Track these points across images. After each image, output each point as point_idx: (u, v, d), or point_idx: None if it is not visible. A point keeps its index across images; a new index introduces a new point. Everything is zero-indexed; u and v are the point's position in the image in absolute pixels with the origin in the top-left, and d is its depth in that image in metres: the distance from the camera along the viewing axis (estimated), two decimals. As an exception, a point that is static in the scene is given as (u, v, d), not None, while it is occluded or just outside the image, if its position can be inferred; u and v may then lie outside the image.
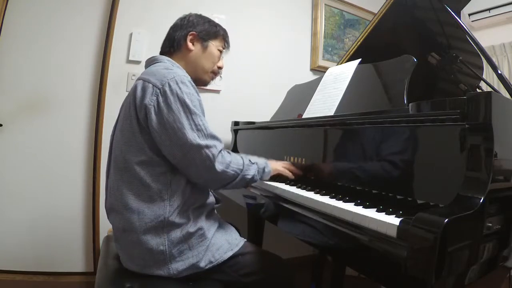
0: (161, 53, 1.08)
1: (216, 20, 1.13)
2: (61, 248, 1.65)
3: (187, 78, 0.91)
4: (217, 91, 2.04)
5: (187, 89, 0.88)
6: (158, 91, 0.86)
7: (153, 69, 0.94)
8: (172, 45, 1.05)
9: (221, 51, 1.11)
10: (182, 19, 1.09)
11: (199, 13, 1.13)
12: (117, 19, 1.73)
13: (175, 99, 0.86)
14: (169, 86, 0.86)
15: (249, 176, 0.98)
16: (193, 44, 1.05)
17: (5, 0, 1.54)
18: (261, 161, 1.06)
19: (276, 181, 1.18)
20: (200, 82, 1.10)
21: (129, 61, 1.78)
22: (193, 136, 0.85)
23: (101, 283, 0.90)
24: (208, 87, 1.95)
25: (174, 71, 0.91)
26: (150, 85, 0.87)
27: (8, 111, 1.58)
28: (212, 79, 1.14)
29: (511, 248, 0.69)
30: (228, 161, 0.92)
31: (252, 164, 1.00)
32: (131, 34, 1.79)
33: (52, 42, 1.65)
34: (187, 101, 0.86)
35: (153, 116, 0.85)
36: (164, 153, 0.88)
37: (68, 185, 1.67)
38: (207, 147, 0.87)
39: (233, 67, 2.06)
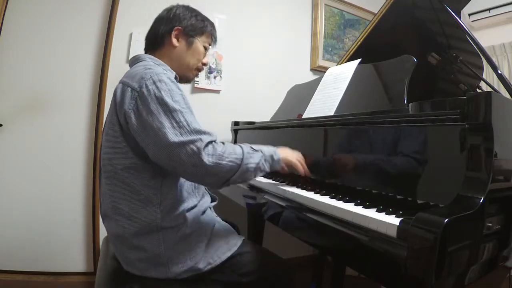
0: (145, 48, 1.04)
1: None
2: (61, 248, 1.65)
3: (165, 75, 0.87)
4: (217, 91, 2.03)
5: (166, 86, 0.84)
6: (136, 94, 0.83)
7: (133, 71, 0.90)
8: (156, 40, 1.01)
9: (206, 48, 1.06)
10: (168, 10, 1.03)
11: (187, 4, 1.07)
12: (117, 19, 1.73)
13: (152, 100, 0.82)
14: (146, 87, 0.83)
15: (253, 165, 0.87)
16: (177, 40, 1.00)
17: (5, 0, 1.54)
18: (267, 148, 0.95)
19: (281, 180, 1.18)
20: (183, 79, 1.06)
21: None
22: (174, 135, 0.79)
23: (101, 283, 0.90)
24: (208, 87, 1.98)
25: (152, 70, 0.86)
26: (129, 88, 0.84)
27: (8, 111, 1.58)
28: (196, 75, 1.10)
29: (511, 248, 0.69)
30: (221, 152, 0.82)
31: (255, 151, 0.90)
32: (131, 34, 1.79)
33: (52, 42, 1.65)
34: (166, 98, 0.82)
35: (133, 120, 0.82)
36: (151, 158, 0.84)
37: (68, 185, 1.67)
38: (191, 142, 0.79)
39: (233, 67, 2.06)
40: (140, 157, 0.85)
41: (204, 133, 0.83)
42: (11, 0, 1.57)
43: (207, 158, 0.79)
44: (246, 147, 0.90)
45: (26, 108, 1.61)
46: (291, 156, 1.01)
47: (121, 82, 0.89)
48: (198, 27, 1.03)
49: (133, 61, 0.99)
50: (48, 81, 1.64)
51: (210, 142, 0.82)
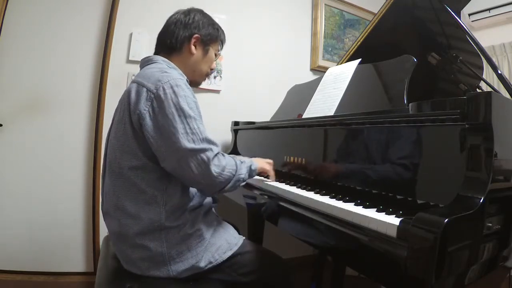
0: (158, 49, 1.04)
1: (216, 20, 1.12)
2: (61, 248, 1.65)
3: (182, 80, 0.89)
4: (217, 91, 2.04)
5: (183, 92, 0.86)
6: (152, 96, 0.84)
7: (148, 72, 0.91)
8: (174, 44, 1.01)
9: (216, 54, 1.10)
10: (186, 15, 1.03)
11: (200, 8, 1.09)
12: (117, 19, 1.73)
13: (169, 104, 0.83)
14: (164, 90, 0.84)
15: (242, 175, 0.95)
16: (195, 48, 1.02)
17: (5, 0, 1.54)
18: (247, 160, 1.05)
19: (281, 181, 1.19)
20: (195, 83, 1.09)
21: (129, 61, 1.78)
22: (187, 141, 0.82)
23: (101, 283, 0.90)
24: (208, 87, 1.98)
25: (169, 74, 0.88)
26: (145, 89, 0.85)
27: (8, 111, 1.58)
28: (205, 80, 1.13)
29: (511, 248, 0.69)
30: (224, 164, 0.88)
31: (242, 163, 0.99)
32: (131, 34, 1.79)
33: (52, 42, 1.65)
34: (182, 104, 0.84)
35: (148, 121, 0.83)
36: (159, 160, 0.85)
37: (68, 185, 1.67)
38: (202, 151, 0.84)
39: (233, 67, 2.07)
40: (148, 158, 0.86)
41: (213, 143, 0.88)
42: (11, 0, 1.57)
43: (213, 169, 0.85)
44: (236, 158, 0.98)
45: (26, 108, 1.61)
46: (263, 163, 1.14)
47: (135, 82, 0.89)
48: (214, 35, 1.06)
49: (145, 62, 1.00)
50: (48, 81, 1.64)
51: (217, 153, 0.88)
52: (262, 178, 1.23)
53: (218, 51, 1.11)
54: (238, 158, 1.02)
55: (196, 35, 1.02)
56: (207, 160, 0.84)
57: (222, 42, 1.11)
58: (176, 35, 1.01)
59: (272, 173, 1.16)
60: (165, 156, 0.84)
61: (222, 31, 1.11)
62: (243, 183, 0.99)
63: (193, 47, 1.02)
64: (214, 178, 0.86)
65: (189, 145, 0.82)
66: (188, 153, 0.83)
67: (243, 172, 0.96)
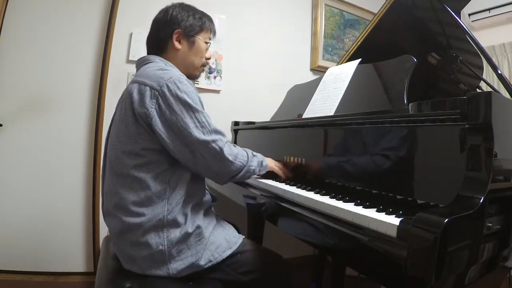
0: (149, 52, 1.05)
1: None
2: (61, 248, 1.65)
3: (183, 77, 0.91)
4: (217, 91, 2.04)
5: (186, 88, 0.88)
6: (156, 93, 0.85)
7: (147, 71, 0.92)
8: (159, 45, 1.02)
9: (207, 43, 1.08)
10: (164, 12, 1.03)
11: (182, 2, 1.08)
12: (117, 19, 1.73)
13: (175, 100, 0.86)
14: (167, 87, 0.86)
15: (253, 168, 1.02)
16: (179, 43, 1.02)
17: (5, 0, 1.54)
18: (259, 155, 1.10)
19: (268, 179, 1.19)
20: (191, 77, 1.07)
21: (129, 61, 1.78)
22: (198, 133, 0.87)
23: (101, 283, 0.90)
24: (208, 87, 1.98)
25: (169, 72, 0.90)
26: (148, 88, 0.86)
27: (8, 111, 1.58)
28: (202, 71, 1.13)
29: (511, 248, 0.69)
30: (236, 153, 0.96)
31: (254, 156, 1.05)
32: (131, 34, 1.79)
33: (52, 42, 1.65)
34: (188, 100, 0.87)
35: (157, 119, 0.85)
36: (172, 153, 0.88)
37: (68, 185, 1.67)
38: (213, 141, 0.89)
39: (233, 67, 2.07)
40: (152, 154, 0.88)
41: (222, 134, 0.94)
42: (11, 0, 1.57)
43: (228, 156, 0.92)
44: (249, 151, 1.04)
45: (26, 108, 1.61)
46: (273, 164, 1.18)
47: (136, 81, 0.90)
48: (197, 25, 1.04)
49: (142, 62, 1.00)
50: (48, 81, 1.64)
51: (226, 142, 0.94)
52: (276, 182, 1.18)
53: (209, 39, 1.09)
54: (251, 151, 1.06)
55: (177, 30, 1.01)
56: (219, 149, 0.90)
57: (210, 29, 1.08)
58: (158, 35, 1.02)
59: (280, 173, 1.18)
60: (178, 149, 0.88)
61: (208, 17, 1.08)
62: (254, 175, 1.05)
63: (176, 43, 1.01)
64: (230, 165, 0.94)
65: (201, 137, 0.87)
66: (201, 144, 0.88)
67: (253, 165, 1.02)
